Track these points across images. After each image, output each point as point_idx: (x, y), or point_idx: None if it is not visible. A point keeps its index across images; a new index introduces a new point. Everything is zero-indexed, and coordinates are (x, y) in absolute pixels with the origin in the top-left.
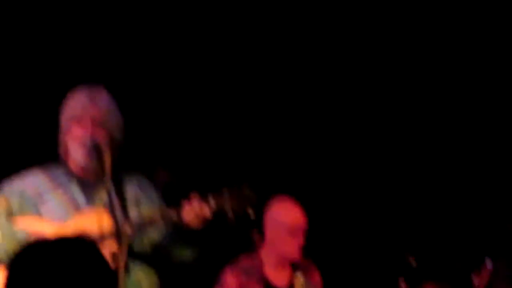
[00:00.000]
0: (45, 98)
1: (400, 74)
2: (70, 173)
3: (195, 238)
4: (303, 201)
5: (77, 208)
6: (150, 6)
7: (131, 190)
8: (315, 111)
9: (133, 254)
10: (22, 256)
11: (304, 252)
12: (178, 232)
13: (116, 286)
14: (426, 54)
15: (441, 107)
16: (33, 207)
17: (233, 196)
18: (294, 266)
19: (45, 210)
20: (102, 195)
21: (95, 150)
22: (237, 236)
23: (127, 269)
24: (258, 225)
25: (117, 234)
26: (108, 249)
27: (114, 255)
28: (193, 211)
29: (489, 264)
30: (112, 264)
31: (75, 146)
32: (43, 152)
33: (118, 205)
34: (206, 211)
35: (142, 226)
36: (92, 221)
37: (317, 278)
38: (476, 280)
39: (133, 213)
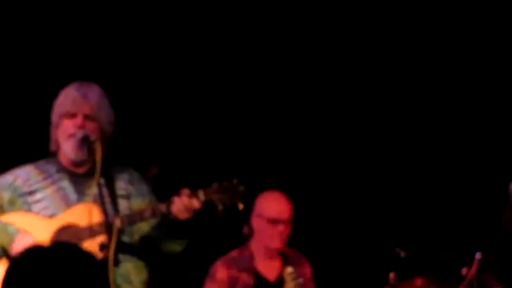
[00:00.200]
0: (36, 95)
1: (388, 73)
2: (61, 168)
3: (184, 230)
4: (294, 195)
5: (67, 202)
6: (140, 2)
7: (122, 183)
8: (303, 106)
9: (123, 247)
10: (19, 262)
11: (295, 245)
12: (167, 224)
13: None
14: (425, 54)
15: (430, 104)
16: (24, 202)
17: (223, 190)
18: (285, 259)
19: (36, 205)
20: (93, 189)
21: (85, 144)
22: (227, 230)
23: (116, 262)
24: (248, 219)
25: (107, 227)
26: (97, 242)
27: (102, 246)
28: (182, 203)
29: (478, 256)
30: (100, 255)
31: (66, 140)
32: (35, 148)
33: (109, 199)
34: (195, 204)
35: (132, 219)
36: (83, 215)
37: (307, 270)
38: (465, 272)
39: (123, 206)
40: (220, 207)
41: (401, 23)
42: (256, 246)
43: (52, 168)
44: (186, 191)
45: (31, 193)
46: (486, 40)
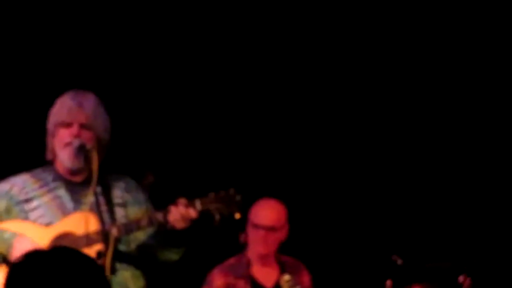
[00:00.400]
0: (32, 103)
1: (387, 80)
2: (57, 176)
3: (180, 238)
4: (292, 204)
5: (64, 211)
6: (138, 10)
7: (118, 192)
8: (299, 116)
9: (120, 255)
10: (19, 266)
11: (294, 253)
12: (164, 233)
13: None
14: (425, 54)
15: (427, 113)
16: (21, 210)
17: (219, 199)
18: (282, 267)
19: (33, 213)
20: (89, 197)
21: (82, 153)
22: (224, 238)
23: (113, 270)
24: (245, 227)
25: (104, 235)
26: (94, 250)
27: (99, 254)
28: (179, 213)
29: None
30: (98, 263)
31: (63, 149)
32: (31, 156)
33: (105, 207)
34: (192, 213)
35: (128, 228)
36: (79, 223)
37: (306, 278)
38: (461, 280)
39: (120, 214)
40: (217, 216)
41: (401, 23)
42: (251, 253)
43: (48, 177)
44: (183, 201)
45: (27, 201)
46: (486, 40)
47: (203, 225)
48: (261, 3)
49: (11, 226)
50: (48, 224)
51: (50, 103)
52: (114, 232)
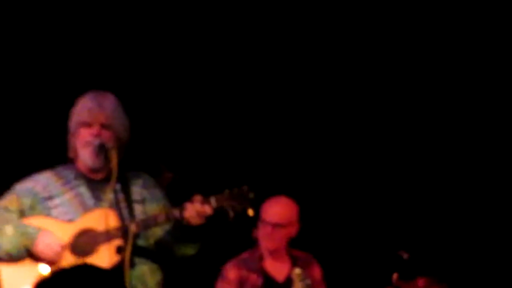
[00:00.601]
0: (54, 103)
1: (394, 83)
2: (79, 174)
3: (196, 234)
4: (303, 202)
5: (85, 207)
6: (154, 11)
7: (137, 189)
8: (312, 121)
9: (138, 250)
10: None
11: (306, 247)
12: (181, 229)
13: None
14: (425, 54)
15: (431, 113)
16: (44, 207)
17: (233, 197)
18: (294, 260)
19: (55, 209)
20: (109, 195)
21: (102, 151)
22: (238, 233)
23: (132, 264)
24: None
25: (123, 231)
26: (114, 245)
27: (119, 249)
28: (195, 209)
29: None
30: (117, 258)
31: (84, 148)
32: (54, 155)
33: (124, 204)
34: (207, 210)
35: (146, 224)
36: (100, 220)
37: (317, 272)
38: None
39: (138, 211)
40: (231, 213)
41: (401, 23)
42: (263, 248)
43: (70, 174)
44: (198, 198)
45: (50, 198)
46: (486, 40)
47: (218, 221)
48: (270, 5)
49: (35, 222)
50: (70, 220)
51: (71, 104)
52: (133, 228)
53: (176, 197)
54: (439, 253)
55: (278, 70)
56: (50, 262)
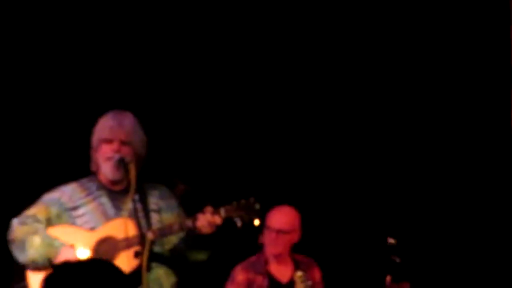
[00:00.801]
0: (79, 122)
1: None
2: (100, 186)
3: (207, 242)
4: (305, 211)
5: (106, 216)
6: (170, 34)
7: (154, 199)
8: (307, 140)
9: (155, 256)
10: (54, 276)
11: (307, 252)
12: (193, 237)
13: None
14: (425, 54)
15: (427, 114)
16: (69, 216)
17: (241, 208)
18: (296, 264)
19: (79, 218)
20: (128, 205)
21: (121, 165)
22: (246, 240)
23: (149, 268)
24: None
25: (141, 238)
26: (132, 251)
27: (137, 253)
28: (206, 220)
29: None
30: (135, 262)
31: (105, 162)
32: (78, 168)
33: (142, 213)
34: (217, 220)
35: (162, 233)
36: (120, 228)
37: (317, 274)
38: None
39: (155, 219)
40: (239, 222)
41: (400, 23)
42: (268, 253)
43: (93, 186)
44: (209, 209)
45: (75, 208)
46: (485, 41)
47: (227, 230)
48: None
49: (61, 230)
50: (92, 229)
51: (93, 122)
52: (150, 235)
53: (189, 207)
54: (429, 257)
55: (284, 85)
56: None
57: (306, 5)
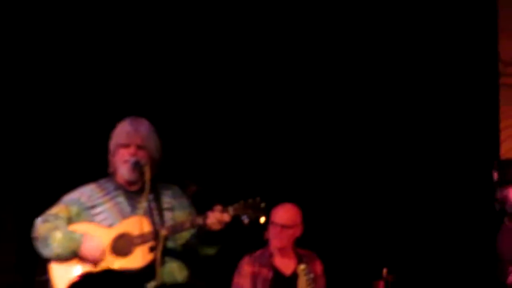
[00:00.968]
0: (99, 129)
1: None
2: (118, 186)
3: (217, 238)
4: (307, 208)
5: (123, 214)
6: (181, 42)
7: (167, 198)
8: (308, 143)
9: (168, 251)
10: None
11: (309, 246)
12: (204, 233)
13: None
14: (425, 54)
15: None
16: (88, 215)
17: (248, 206)
18: (299, 257)
19: (98, 216)
20: (143, 204)
21: (137, 168)
22: (252, 235)
23: (163, 262)
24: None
25: (155, 235)
26: (147, 247)
27: (151, 248)
28: (216, 217)
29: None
30: (150, 256)
31: (122, 165)
32: (97, 170)
33: (156, 211)
34: (226, 218)
35: (175, 229)
36: (135, 225)
37: (319, 267)
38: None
39: (168, 217)
40: (246, 220)
41: (400, 23)
42: (272, 247)
43: (110, 186)
44: (218, 207)
45: (93, 207)
46: (485, 41)
47: (235, 226)
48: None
49: (81, 227)
50: (110, 226)
51: (111, 128)
52: (163, 232)
53: (200, 206)
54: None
55: (291, 89)
56: (94, 262)
57: (308, 5)
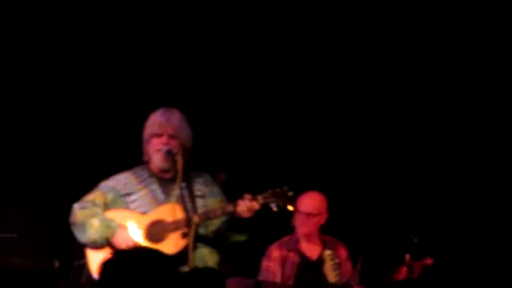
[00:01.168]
0: (133, 119)
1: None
2: (151, 174)
3: (246, 225)
4: (330, 195)
5: (157, 202)
6: (212, 37)
7: (198, 186)
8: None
9: (200, 237)
10: (110, 263)
11: (335, 232)
12: (234, 220)
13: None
14: (425, 54)
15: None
16: (123, 202)
17: (276, 195)
18: (324, 243)
19: (133, 203)
20: (176, 191)
21: (170, 156)
22: (280, 222)
23: (194, 248)
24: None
25: (188, 221)
26: (180, 233)
27: (184, 234)
28: (246, 205)
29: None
30: (183, 242)
31: (155, 154)
32: (132, 158)
33: (188, 199)
34: (256, 206)
35: (206, 216)
36: (169, 212)
37: (344, 252)
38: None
39: (200, 204)
40: (275, 208)
41: (400, 24)
42: (299, 233)
43: (145, 174)
44: (248, 196)
45: (128, 194)
46: (484, 41)
47: (264, 214)
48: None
49: (117, 213)
50: (144, 213)
51: (145, 118)
52: (195, 219)
53: (230, 194)
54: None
55: (321, 89)
56: None
57: (312, 5)
